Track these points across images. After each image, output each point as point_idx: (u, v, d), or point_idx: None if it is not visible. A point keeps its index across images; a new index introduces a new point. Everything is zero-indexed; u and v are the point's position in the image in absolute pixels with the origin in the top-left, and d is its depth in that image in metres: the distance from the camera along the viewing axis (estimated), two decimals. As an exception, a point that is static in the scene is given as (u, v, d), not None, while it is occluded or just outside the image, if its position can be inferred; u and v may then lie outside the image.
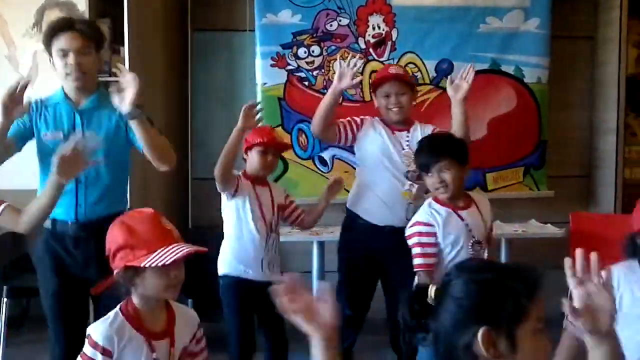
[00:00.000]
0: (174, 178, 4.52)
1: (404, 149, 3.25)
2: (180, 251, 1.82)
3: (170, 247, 1.82)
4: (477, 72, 4.55)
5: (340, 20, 4.52)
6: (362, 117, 3.47)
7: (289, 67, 4.48)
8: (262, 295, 3.15)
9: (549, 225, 4.57)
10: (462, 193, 2.72)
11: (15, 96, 2.67)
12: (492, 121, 4.68)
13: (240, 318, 3.23)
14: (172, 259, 1.80)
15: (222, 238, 4.37)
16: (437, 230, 2.68)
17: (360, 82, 4.52)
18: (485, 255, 2.70)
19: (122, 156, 2.98)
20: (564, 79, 4.86)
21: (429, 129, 3.27)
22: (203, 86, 4.64)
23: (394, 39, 4.57)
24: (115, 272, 1.88)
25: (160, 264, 1.79)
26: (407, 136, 3.28)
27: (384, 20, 4.55)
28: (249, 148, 3.24)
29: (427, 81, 4.60)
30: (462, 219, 2.68)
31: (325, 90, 4.48)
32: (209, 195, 4.58)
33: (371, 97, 4.52)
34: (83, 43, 2.85)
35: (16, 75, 4.57)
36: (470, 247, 2.65)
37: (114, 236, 1.89)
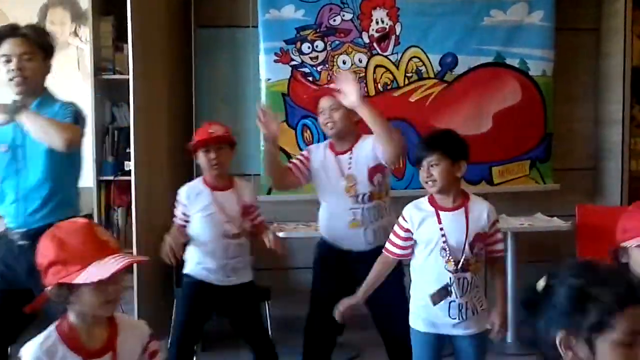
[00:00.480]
0: (178, 175, 4.52)
1: (348, 170, 3.16)
2: (117, 264, 1.68)
3: (106, 259, 1.69)
4: (482, 65, 4.63)
5: (343, 15, 4.51)
6: (307, 148, 3.42)
7: (293, 63, 4.47)
8: (227, 299, 3.18)
9: (555, 218, 4.56)
10: (457, 192, 2.69)
11: None
12: (497, 114, 4.66)
13: (188, 317, 3.21)
14: (109, 273, 1.67)
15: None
16: (412, 228, 2.69)
17: (364, 77, 4.53)
18: (462, 258, 2.63)
19: (64, 161, 2.85)
20: (569, 71, 4.84)
21: (368, 141, 3.14)
22: (207, 82, 4.64)
23: (397, 33, 4.55)
24: (47, 289, 1.73)
25: (95, 280, 1.66)
26: (350, 157, 3.17)
27: (387, 15, 4.54)
28: (194, 152, 3.22)
29: (432, 75, 4.59)
30: (439, 222, 2.65)
31: (329, 86, 4.48)
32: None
33: (375, 91, 4.55)
34: (27, 49, 2.81)
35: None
36: (440, 250, 2.63)
37: (45, 250, 1.73)
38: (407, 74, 4.57)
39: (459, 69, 4.60)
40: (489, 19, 4.60)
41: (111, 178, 4.14)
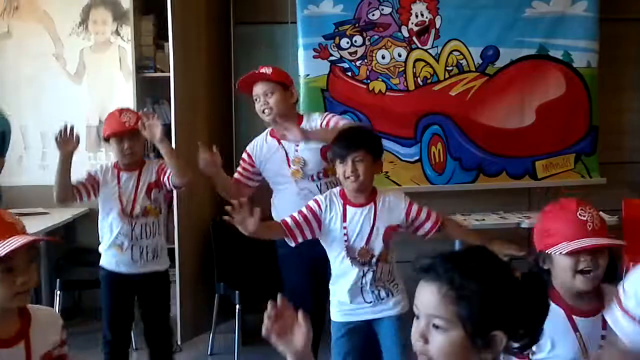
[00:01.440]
0: (219, 171, 4.55)
1: (295, 152, 3.18)
2: (17, 242, 1.60)
3: (8, 239, 1.60)
4: (524, 58, 4.55)
5: (382, 9, 4.47)
6: (246, 150, 3.39)
7: (332, 58, 4.46)
8: (138, 287, 3.19)
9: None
10: (369, 189, 2.72)
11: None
12: (541, 107, 4.58)
13: (111, 311, 3.21)
14: (8, 250, 1.58)
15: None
16: (322, 214, 2.70)
17: (404, 71, 4.49)
18: (375, 253, 2.66)
19: None
20: (615, 62, 4.72)
21: (315, 118, 3.21)
22: (246, 79, 4.65)
23: (437, 27, 4.50)
24: None
25: None
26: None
27: (427, 8, 4.49)
28: (106, 140, 3.23)
29: (473, 68, 4.52)
30: (344, 219, 2.67)
31: (369, 81, 4.47)
32: (255, 191, 4.61)
33: (415, 86, 4.51)
34: None
35: (64, 73, 4.67)
36: (344, 247, 2.67)
37: None
38: (448, 68, 4.52)
39: (501, 62, 4.53)
40: (531, 11, 4.52)
41: (153, 175, 4.19)
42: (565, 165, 4.62)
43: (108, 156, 4.68)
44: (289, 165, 3.19)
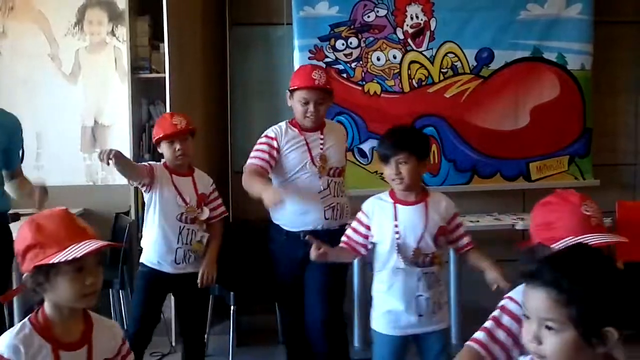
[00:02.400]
0: (214, 172, 4.55)
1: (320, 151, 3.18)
2: (92, 246, 1.69)
3: (82, 243, 1.69)
4: (519, 60, 4.57)
5: (377, 11, 4.49)
6: (268, 135, 3.27)
7: (327, 60, 4.47)
8: (176, 286, 3.21)
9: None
10: (419, 188, 2.72)
11: None
12: (535, 110, 4.60)
13: (143, 308, 3.22)
14: (84, 252, 1.67)
15: (264, 230, 4.42)
16: (370, 223, 2.71)
17: (399, 73, 4.51)
18: (428, 252, 2.65)
19: None
20: (609, 64, 4.74)
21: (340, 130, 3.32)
22: (242, 80, 4.66)
23: (432, 29, 4.51)
24: (24, 275, 1.72)
25: (70, 258, 1.66)
26: (322, 137, 3.20)
27: (422, 10, 4.50)
28: (157, 142, 3.24)
29: (467, 70, 4.54)
30: (395, 218, 2.66)
31: (364, 82, 4.48)
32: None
33: (410, 87, 4.53)
34: None
35: (59, 73, 4.67)
36: (395, 246, 2.65)
37: (23, 235, 1.73)
38: (442, 70, 4.53)
39: (495, 64, 4.55)
40: (526, 13, 4.54)
41: (148, 176, 4.19)
42: (559, 167, 4.65)
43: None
44: (314, 163, 3.16)
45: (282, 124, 3.25)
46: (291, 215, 3.21)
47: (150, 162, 3.28)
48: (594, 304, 1.27)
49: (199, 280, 3.19)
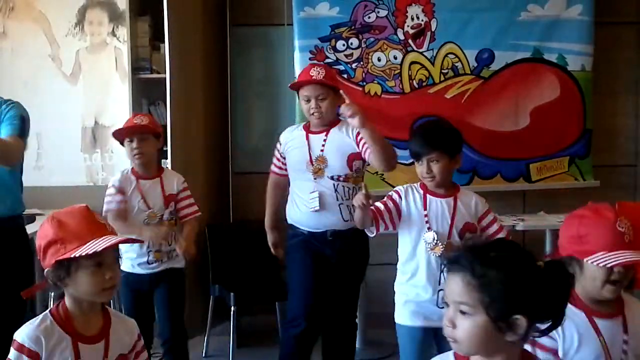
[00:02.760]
0: (214, 172, 4.57)
1: (320, 153, 3.15)
2: (112, 240, 1.75)
3: (102, 238, 1.75)
4: (519, 61, 4.57)
5: (378, 12, 4.49)
6: (279, 141, 3.34)
7: (328, 60, 4.46)
8: (156, 284, 3.18)
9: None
10: (449, 184, 2.72)
11: None
12: (535, 110, 4.59)
13: (132, 312, 3.17)
14: (104, 245, 1.72)
15: (264, 231, 4.42)
16: (401, 204, 2.70)
17: (400, 73, 4.51)
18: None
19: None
20: (609, 66, 4.74)
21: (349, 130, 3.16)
22: (242, 81, 4.67)
23: (433, 30, 4.51)
24: (45, 270, 1.78)
25: (90, 252, 1.71)
26: (324, 139, 3.17)
27: (423, 11, 4.50)
28: (121, 142, 3.22)
29: (468, 71, 4.54)
30: (425, 208, 2.66)
31: (364, 83, 4.48)
32: (250, 189, 4.63)
33: (411, 88, 4.53)
34: None
35: (59, 74, 4.67)
36: (424, 236, 2.64)
37: (44, 231, 1.78)
38: (443, 71, 4.53)
39: (496, 65, 4.55)
40: (526, 14, 4.54)
41: (149, 176, 4.19)
42: (559, 168, 4.65)
43: (103, 158, 4.68)
44: (311, 163, 3.16)
45: (295, 126, 3.34)
46: (309, 215, 3.21)
47: (115, 184, 3.20)
48: (504, 291, 1.33)
49: (178, 250, 3.13)
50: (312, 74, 3.13)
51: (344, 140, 3.17)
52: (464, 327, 1.35)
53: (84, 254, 1.71)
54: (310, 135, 3.20)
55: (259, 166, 4.66)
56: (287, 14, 4.50)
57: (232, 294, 3.88)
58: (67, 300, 1.82)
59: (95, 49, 4.68)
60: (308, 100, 3.13)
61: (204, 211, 4.34)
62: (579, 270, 1.80)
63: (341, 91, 3.11)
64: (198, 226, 3.34)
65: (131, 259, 3.19)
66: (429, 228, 2.63)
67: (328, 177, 3.15)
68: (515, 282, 1.33)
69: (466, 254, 1.38)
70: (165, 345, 3.26)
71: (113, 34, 4.66)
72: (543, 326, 1.37)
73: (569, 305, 1.70)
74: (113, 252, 1.79)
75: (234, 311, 3.88)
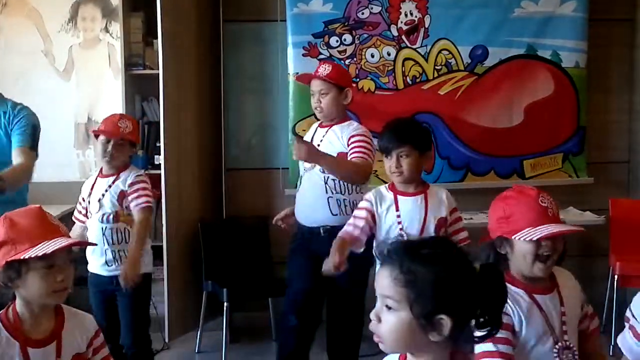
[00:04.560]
0: (207, 168, 4.56)
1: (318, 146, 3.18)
2: (63, 243, 1.70)
3: (54, 239, 1.71)
4: (513, 58, 4.56)
5: (372, 8, 4.48)
6: None
7: (321, 57, 4.46)
8: (116, 288, 3.09)
9: (588, 212, 4.48)
10: (418, 181, 2.74)
11: None
12: (529, 107, 4.59)
13: (97, 314, 3.09)
14: (54, 248, 1.68)
15: (257, 227, 4.43)
16: (373, 209, 2.73)
17: (393, 70, 4.51)
18: None
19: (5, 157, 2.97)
20: (603, 62, 4.74)
21: (353, 128, 3.20)
22: (235, 77, 4.65)
23: (426, 26, 4.51)
24: None
25: (40, 254, 1.67)
26: (323, 135, 3.25)
27: (416, 7, 4.50)
28: (96, 135, 3.23)
29: (461, 68, 4.53)
30: (397, 209, 2.70)
31: (358, 79, 4.47)
32: (243, 186, 4.63)
33: (404, 84, 4.53)
34: None
35: (52, 70, 4.66)
36: (397, 231, 2.67)
37: None
38: (437, 67, 4.53)
39: (490, 61, 4.54)
40: (520, 10, 4.53)
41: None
42: (553, 165, 4.65)
43: (96, 154, 4.67)
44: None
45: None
46: (303, 209, 3.28)
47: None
48: (430, 289, 1.28)
49: (120, 281, 3.04)
50: (319, 70, 3.25)
51: (337, 140, 3.20)
52: (388, 322, 1.31)
53: (33, 255, 1.67)
54: (318, 128, 3.32)
55: (252, 162, 4.68)
56: (280, 10, 4.49)
57: (225, 289, 3.88)
58: (18, 303, 1.78)
59: (88, 45, 4.67)
60: (313, 95, 3.25)
61: (196, 208, 4.35)
62: (510, 250, 1.87)
63: (347, 89, 3.22)
64: (146, 219, 3.17)
65: (95, 259, 3.16)
66: (401, 229, 2.67)
67: (320, 170, 3.17)
68: (442, 282, 1.28)
69: (397, 248, 1.35)
70: (127, 352, 3.20)
71: (106, 30, 4.65)
72: (481, 332, 1.33)
73: (510, 286, 1.78)
74: (66, 254, 1.75)
75: (227, 307, 3.88)
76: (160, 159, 4.02)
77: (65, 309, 1.85)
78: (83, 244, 1.78)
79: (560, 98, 4.61)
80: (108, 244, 3.13)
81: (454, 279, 1.29)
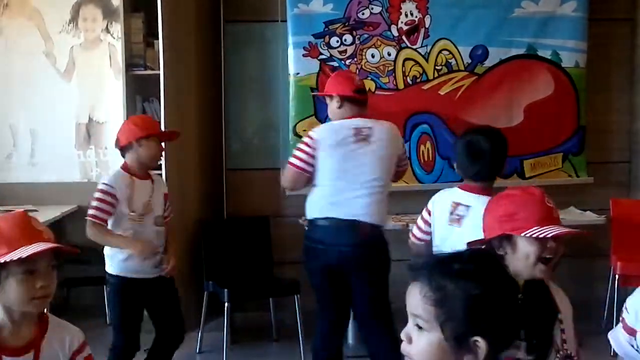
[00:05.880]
0: (208, 169, 4.57)
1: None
2: (40, 247, 1.64)
3: (33, 244, 1.64)
4: (513, 58, 4.57)
5: (372, 8, 4.49)
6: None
7: (322, 57, 4.47)
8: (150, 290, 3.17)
9: (588, 212, 4.49)
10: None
11: None
12: (529, 107, 4.59)
13: (127, 320, 3.20)
14: (27, 254, 1.62)
15: (258, 227, 4.43)
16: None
17: (394, 70, 4.51)
18: None
19: None
20: (603, 62, 4.74)
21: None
22: (236, 77, 4.66)
23: (427, 26, 4.51)
24: None
25: (15, 257, 1.61)
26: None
27: (416, 7, 4.50)
28: (143, 138, 3.13)
29: (462, 68, 4.54)
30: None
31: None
32: (244, 186, 4.63)
33: (405, 85, 4.53)
34: None
35: (54, 71, 4.67)
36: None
37: None
38: (437, 67, 4.53)
39: (490, 61, 4.55)
40: (520, 10, 4.54)
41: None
42: (553, 165, 4.65)
43: (97, 154, 4.69)
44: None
45: None
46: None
47: (109, 191, 3.09)
48: (461, 308, 1.18)
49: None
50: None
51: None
52: (418, 343, 1.21)
53: (9, 259, 1.62)
54: None
55: (252, 163, 4.68)
56: (280, 10, 4.50)
57: (225, 290, 3.89)
58: None
59: (89, 46, 4.68)
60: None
61: (197, 208, 4.36)
62: (511, 250, 1.78)
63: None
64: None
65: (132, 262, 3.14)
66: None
67: None
68: (475, 300, 1.17)
69: (431, 263, 1.24)
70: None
71: (107, 30, 4.66)
72: (529, 356, 1.23)
73: None
74: (49, 260, 1.69)
75: (227, 307, 3.88)
76: (160, 160, 4.02)
77: (52, 319, 1.79)
78: (66, 249, 1.74)
79: (560, 98, 4.61)
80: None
81: (489, 297, 1.18)
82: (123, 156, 3.19)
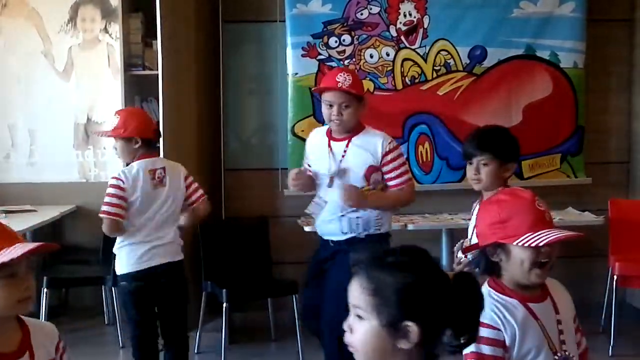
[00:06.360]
0: (207, 169, 4.56)
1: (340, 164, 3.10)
2: (23, 249, 1.62)
3: (13, 246, 1.62)
4: (512, 58, 4.57)
5: (371, 9, 4.49)
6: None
7: (320, 57, 4.47)
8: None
9: (587, 212, 4.49)
10: (494, 188, 2.62)
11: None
12: (528, 107, 4.60)
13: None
14: (9, 258, 1.60)
15: (257, 228, 4.43)
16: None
17: (392, 70, 4.51)
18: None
19: None
20: (601, 63, 4.75)
21: (377, 138, 3.13)
22: (234, 77, 4.66)
23: (425, 26, 4.52)
24: None
25: (7, 260, 1.60)
26: (345, 149, 3.11)
27: (415, 7, 4.51)
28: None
29: (460, 68, 4.55)
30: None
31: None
32: (242, 186, 4.63)
33: (403, 85, 4.53)
34: None
35: (52, 71, 4.67)
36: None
37: None
38: (435, 67, 4.54)
39: (488, 62, 4.55)
40: (519, 11, 4.54)
41: (141, 173, 4.18)
42: (551, 165, 4.65)
43: (96, 154, 4.68)
44: (330, 170, 3.11)
45: (318, 130, 3.29)
46: (320, 222, 3.22)
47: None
48: (393, 296, 1.28)
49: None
50: (338, 80, 3.04)
51: (363, 152, 3.09)
52: (358, 332, 1.31)
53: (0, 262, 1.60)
54: (332, 142, 3.13)
55: (251, 163, 4.68)
56: (279, 10, 4.50)
57: (224, 290, 3.88)
58: None
59: (88, 46, 4.68)
60: (330, 106, 3.04)
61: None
62: (505, 257, 1.76)
63: (365, 98, 3.16)
64: None
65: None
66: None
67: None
68: (406, 288, 1.28)
69: (367, 258, 1.35)
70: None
71: (105, 30, 4.66)
72: (458, 341, 1.31)
73: (504, 297, 1.74)
74: (27, 262, 1.68)
75: (226, 307, 3.88)
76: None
77: (26, 320, 1.77)
78: (44, 249, 1.72)
79: (558, 98, 4.62)
80: None
81: (419, 285, 1.29)
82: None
